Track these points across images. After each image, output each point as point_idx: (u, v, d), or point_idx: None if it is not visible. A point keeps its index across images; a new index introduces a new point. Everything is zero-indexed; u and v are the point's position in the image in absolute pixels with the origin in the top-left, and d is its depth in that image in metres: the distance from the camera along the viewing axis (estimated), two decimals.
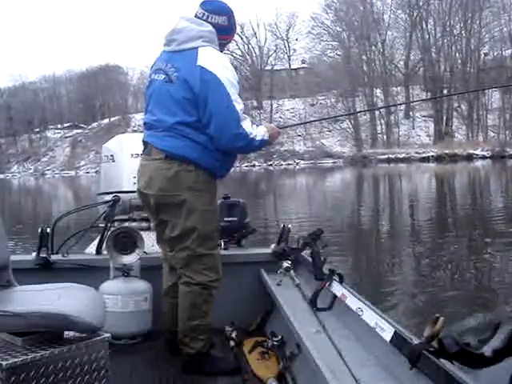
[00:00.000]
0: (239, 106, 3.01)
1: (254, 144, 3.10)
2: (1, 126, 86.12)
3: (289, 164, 67.00)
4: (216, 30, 3.10)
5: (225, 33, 3.16)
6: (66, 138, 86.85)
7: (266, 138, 3.16)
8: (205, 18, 3.11)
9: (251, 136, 3.05)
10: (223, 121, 2.98)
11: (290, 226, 4.14)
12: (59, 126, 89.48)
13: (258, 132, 3.12)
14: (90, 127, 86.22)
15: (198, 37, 3.06)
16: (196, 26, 3.08)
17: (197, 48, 3.03)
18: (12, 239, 11.61)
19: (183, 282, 3.21)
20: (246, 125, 3.03)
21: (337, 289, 3.17)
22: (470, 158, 52.04)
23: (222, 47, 3.19)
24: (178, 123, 3.04)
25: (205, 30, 3.07)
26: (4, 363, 2.10)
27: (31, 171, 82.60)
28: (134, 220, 4.20)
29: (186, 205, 3.08)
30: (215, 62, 3.00)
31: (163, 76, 3.11)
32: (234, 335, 3.53)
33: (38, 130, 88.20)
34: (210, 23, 3.10)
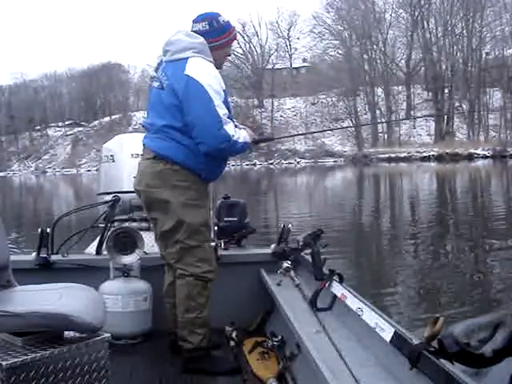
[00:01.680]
0: (222, 110, 3.16)
1: (236, 146, 3.25)
2: (2, 123, 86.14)
3: (290, 163, 66.96)
4: (206, 36, 3.28)
5: (209, 36, 3.30)
6: (67, 135, 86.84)
7: (247, 140, 3.34)
8: (191, 28, 3.33)
9: (234, 138, 3.21)
10: (206, 124, 3.14)
11: (290, 226, 4.16)
12: (60, 123, 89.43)
13: (240, 134, 3.29)
14: (91, 125, 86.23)
15: (188, 48, 3.25)
16: (188, 38, 3.28)
17: (187, 58, 3.22)
18: (12, 239, 11.61)
19: (178, 276, 3.30)
20: (229, 128, 3.19)
21: (337, 289, 3.18)
22: (470, 157, 51.93)
23: (216, 50, 3.33)
24: (166, 126, 3.24)
25: (196, 42, 3.27)
26: (4, 363, 2.11)
27: (32, 169, 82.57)
28: (134, 220, 4.21)
29: (171, 200, 3.23)
30: (201, 70, 3.18)
31: (158, 83, 3.34)
32: (234, 335, 3.53)
33: (39, 127, 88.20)
34: (195, 32, 3.30)
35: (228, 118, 3.21)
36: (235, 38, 3.48)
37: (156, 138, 3.28)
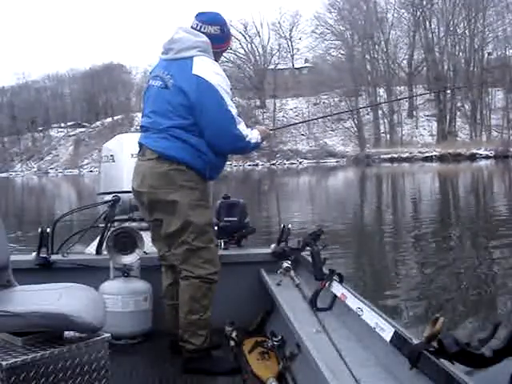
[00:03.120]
0: (234, 110, 3.20)
1: (250, 146, 3.33)
2: (4, 124, 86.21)
3: (292, 163, 66.92)
4: (210, 39, 3.26)
5: (218, 42, 3.32)
6: (70, 136, 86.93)
7: (259, 140, 3.38)
8: (199, 28, 3.29)
9: (247, 138, 3.27)
10: (222, 124, 3.17)
11: (289, 226, 4.16)
12: (62, 124, 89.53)
13: (253, 135, 3.33)
14: (93, 126, 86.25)
15: (193, 47, 3.22)
16: (192, 36, 3.24)
17: (192, 57, 3.20)
18: (15, 238, 11.63)
19: (183, 277, 3.27)
20: (242, 127, 3.24)
21: (337, 289, 3.17)
22: (473, 157, 51.89)
23: (217, 56, 3.35)
24: (172, 126, 3.19)
25: (200, 41, 3.23)
26: (4, 363, 2.11)
27: (34, 170, 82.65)
28: (134, 220, 4.20)
29: (178, 200, 3.19)
30: (209, 70, 3.17)
31: (160, 82, 3.27)
32: (234, 335, 3.52)
33: (41, 128, 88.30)
34: (204, 33, 3.26)
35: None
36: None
37: (159, 138, 3.22)
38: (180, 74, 3.18)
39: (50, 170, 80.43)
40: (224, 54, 3.56)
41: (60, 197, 33.05)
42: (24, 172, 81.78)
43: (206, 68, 3.16)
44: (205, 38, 3.23)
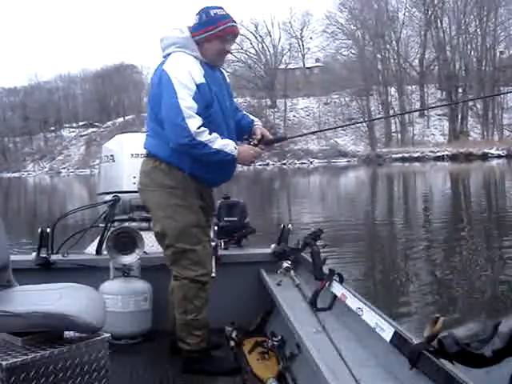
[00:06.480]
0: (185, 103, 2.99)
1: (205, 149, 3.03)
2: (17, 124, 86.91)
3: (303, 163, 66.91)
4: (192, 30, 3.20)
5: (196, 29, 3.19)
6: (81, 136, 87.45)
7: (228, 151, 3.09)
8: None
9: (199, 137, 3.00)
10: (167, 116, 3.06)
11: (289, 226, 4.15)
12: (74, 124, 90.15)
13: (218, 141, 3.06)
14: (104, 126, 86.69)
15: (172, 43, 3.22)
16: (174, 33, 3.23)
17: (170, 54, 3.20)
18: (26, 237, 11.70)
19: (173, 277, 3.28)
20: (192, 122, 2.99)
21: (337, 289, 3.16)
22: (485, 157, 51.60)
23: (206, 43, 3.18)
24: (151, 122, 3.23)
25: (179, 37, 3.21)
26: (4, 363, 2.11)
27: (46, 170, 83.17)
28: (134, 220, 4.21)
29: (158, 200, 3.20)
30: (174, 63, 3.12)
31: None
32: (234, 335, 3.53)
33: (53, 128, 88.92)
34: (191, 27, 3.23)
35: (196, 113, 3.01)
36: (227, 32, 3.18)
37: (147, 136, 3.28)
38: (155, 70, 3.22)
39: (61, 170, 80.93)
40: (235, 53, 3.47)
41: (72, 197, 33.22)
42: (36, 172, 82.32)
43: (173, 62, 3.12)
44: (184, 34, 3.18)
